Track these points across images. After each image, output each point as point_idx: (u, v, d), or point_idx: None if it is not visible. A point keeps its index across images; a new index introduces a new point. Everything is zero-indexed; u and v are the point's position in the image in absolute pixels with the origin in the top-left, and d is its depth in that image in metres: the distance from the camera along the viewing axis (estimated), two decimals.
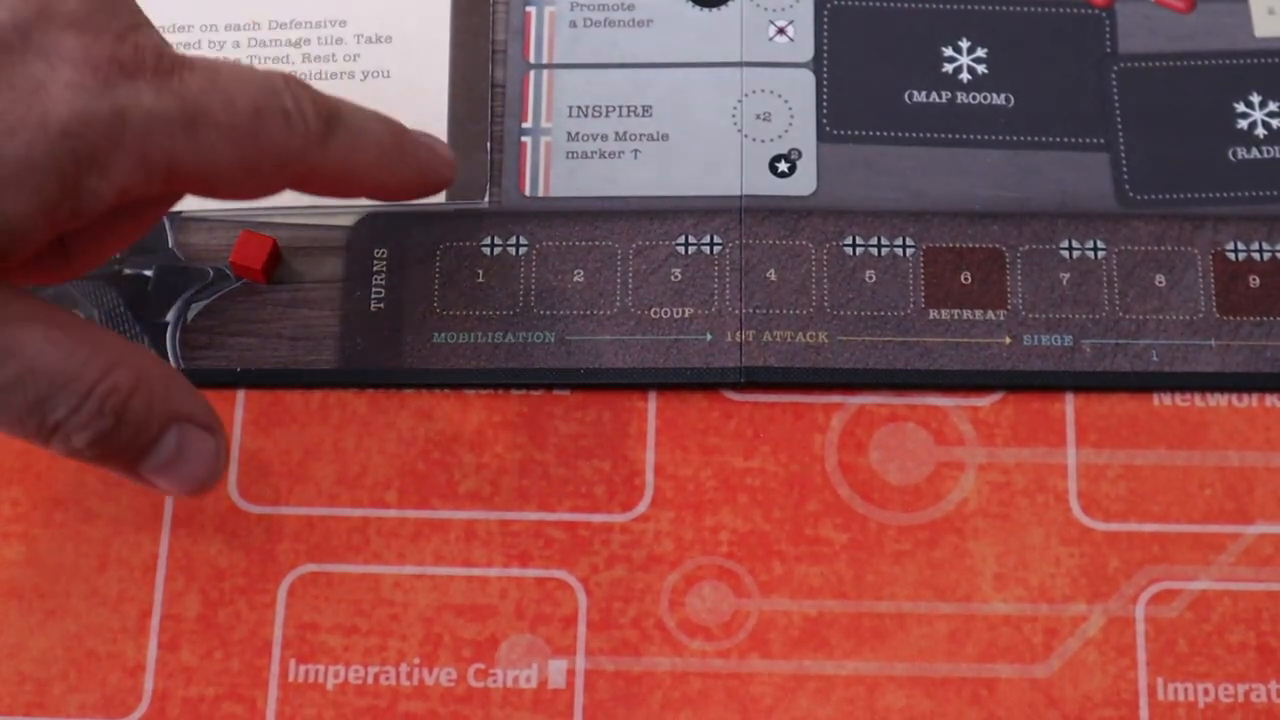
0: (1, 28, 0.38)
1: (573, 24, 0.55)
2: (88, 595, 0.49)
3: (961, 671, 0.48)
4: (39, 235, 0.39)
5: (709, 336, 0.51)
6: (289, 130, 0.42)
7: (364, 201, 0.52)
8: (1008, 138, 0.53)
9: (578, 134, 0.53)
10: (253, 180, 0.43)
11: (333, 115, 0.44)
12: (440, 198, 0.52)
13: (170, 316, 0.52)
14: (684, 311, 0.51)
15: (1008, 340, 0.51)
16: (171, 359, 0.51)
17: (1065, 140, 0.53)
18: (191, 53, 0.54)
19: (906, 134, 0.53)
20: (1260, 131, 0.53)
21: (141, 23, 0.40)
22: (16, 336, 0.38)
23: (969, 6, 0.55)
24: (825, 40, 0.54)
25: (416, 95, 0.54)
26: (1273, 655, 0.48)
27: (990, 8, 0.55)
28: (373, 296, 0.52)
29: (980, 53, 0.54)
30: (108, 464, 0.41)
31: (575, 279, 0.52)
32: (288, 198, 0.53)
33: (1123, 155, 0.53)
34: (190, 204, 0.52)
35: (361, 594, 0.49)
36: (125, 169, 0.39)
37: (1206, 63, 0.54)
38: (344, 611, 0.49)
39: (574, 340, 0.51)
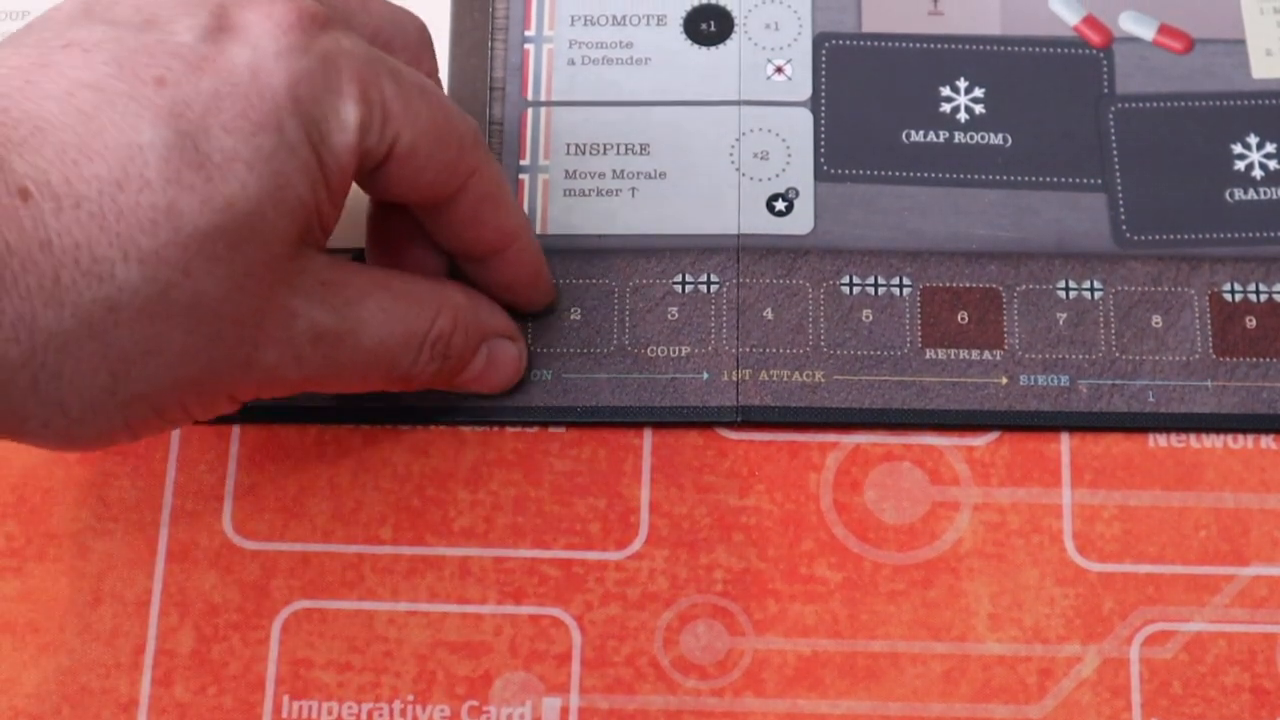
0: (193, 42, 0.39)
1: (571, 62, 0.55)
2: (81, 630, 0.49)
3: (955, 712, 0.48)
4: (317, 203, 0.41)
5: (705, 375, 0.51)
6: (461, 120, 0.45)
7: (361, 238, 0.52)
8: (1005, 178, 0.53)
9: (575, 172, 0.54)
10: (444, 153, 0.44)
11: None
12: None
13: None
14: (680, 350, 0.51)
15: (1004, 380, 0.51)
16: None
17: (1062, 180, 0.53)
18: None
19: (904, 173, 0.53)
20: (1257, 173, 0.53)
21: None
22: (361, 318, 0.44)
23: (967, 47, 0.55)
24: (823, 79, 0.55)
25: None
26: (1267, 697, 0.48)
27: (988, 48, 0.55)
28: None
29: (978, 93, 0.54)
30: (433, 385, 0.48)
31: (572, 317, 0.52)
32: None
33: (1120, 196, 0.53)
34: None
35: (355, 630, 0.49)
36: (354, 110, 0.41)
37: (1204, 104, 0.54)
38: (338, 648, 0.49)
39: (570, 378, 0.51)
